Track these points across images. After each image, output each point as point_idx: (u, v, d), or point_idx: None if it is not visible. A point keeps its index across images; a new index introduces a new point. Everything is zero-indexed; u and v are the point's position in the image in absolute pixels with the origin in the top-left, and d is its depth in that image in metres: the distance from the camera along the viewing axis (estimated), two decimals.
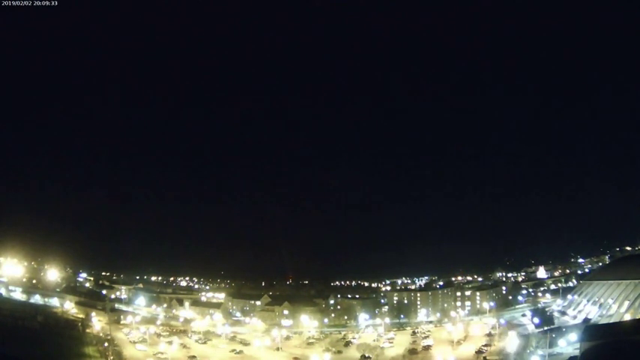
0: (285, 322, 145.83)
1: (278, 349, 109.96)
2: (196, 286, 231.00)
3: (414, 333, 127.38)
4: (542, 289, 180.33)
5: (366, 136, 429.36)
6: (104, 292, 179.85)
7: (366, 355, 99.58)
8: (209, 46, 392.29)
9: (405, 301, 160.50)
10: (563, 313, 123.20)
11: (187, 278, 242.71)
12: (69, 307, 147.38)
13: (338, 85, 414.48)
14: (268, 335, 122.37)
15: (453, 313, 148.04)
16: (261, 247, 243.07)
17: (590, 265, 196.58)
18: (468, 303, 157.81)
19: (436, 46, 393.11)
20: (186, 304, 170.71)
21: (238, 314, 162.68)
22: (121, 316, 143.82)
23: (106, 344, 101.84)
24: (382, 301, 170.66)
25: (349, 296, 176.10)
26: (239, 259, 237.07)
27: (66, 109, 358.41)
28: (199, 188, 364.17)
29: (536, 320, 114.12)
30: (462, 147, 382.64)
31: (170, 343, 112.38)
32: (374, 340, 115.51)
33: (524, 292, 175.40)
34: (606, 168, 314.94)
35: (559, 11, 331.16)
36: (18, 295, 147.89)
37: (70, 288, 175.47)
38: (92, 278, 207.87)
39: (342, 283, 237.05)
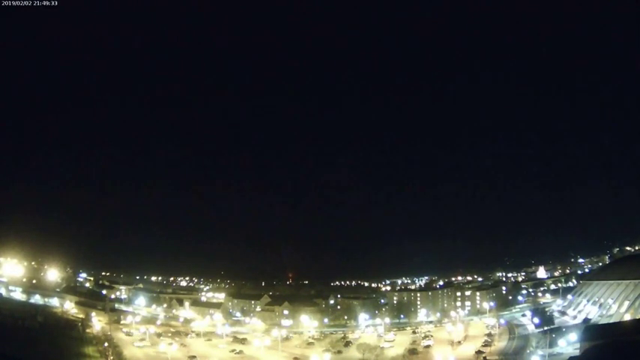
0: (285, 322, 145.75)
1: (278, 349, 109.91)
2: (196, 286, 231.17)
3: (414, 333, 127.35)
4: (542, 289, 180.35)
5: (367, 135, 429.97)
6: (104, 292, 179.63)
7: (366, 356, 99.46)
8: (211, 44, 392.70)
9: (405, 301, 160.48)
10: (563, 313, 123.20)
11: (187, 278, 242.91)
12: (69, 307, 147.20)
13: (338, 83, 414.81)
14: (268, 335, 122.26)
15: (453, 313, 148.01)
16: (261, 247, 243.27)
17: (590, 265, 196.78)
18: (468, 303, 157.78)
19: (435, 44, 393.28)
20: (186, 304, 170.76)
21: (238, 314, 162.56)
22: (121, 316, 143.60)
23: (106, 344, 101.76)
24: (382, 301, 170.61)
25: (349, 296, 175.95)
26: (239, 259, 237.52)
27: (65, 108, 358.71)
28: (199, 188, 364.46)
29: (536, 320, 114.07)
30: (461, 147, 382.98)
31: (170, 343, 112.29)
32: (374, 341, 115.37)
33: (524, 292, 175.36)
34: (606, 168, 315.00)
35: (559, 10, 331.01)
36: (18, 295, 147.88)
37: (70, 288, 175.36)
38: (92, 278, 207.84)
39: (342, 283, 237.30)
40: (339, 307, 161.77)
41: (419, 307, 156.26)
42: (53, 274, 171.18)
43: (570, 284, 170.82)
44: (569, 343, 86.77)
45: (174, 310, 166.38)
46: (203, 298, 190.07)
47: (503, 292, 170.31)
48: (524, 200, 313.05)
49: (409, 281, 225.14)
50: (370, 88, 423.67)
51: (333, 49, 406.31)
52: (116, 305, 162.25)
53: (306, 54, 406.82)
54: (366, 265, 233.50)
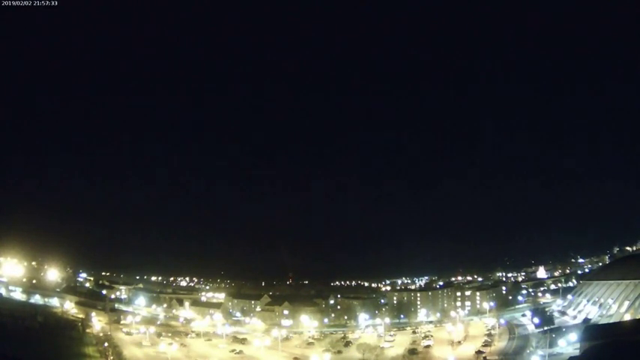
0: (285, 322, 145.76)
1: (278, 349, 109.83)
2: (196, 286, 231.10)
3: (414, 333, 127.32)
4: (542, 289, 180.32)
5: (366, 136, 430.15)
6: (104, 292, 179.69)
7: (366, 356, 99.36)
8: (211, 43, 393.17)
9: (405, 301, 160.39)
10: (563, 313, 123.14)
11: (187, 278, 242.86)
12: (69, 307, 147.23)
13: (338, 83, 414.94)
14: (268, 335, 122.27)
15: (453, 313, 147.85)
16: (261, 247, 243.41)
17: (590, 265, 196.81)
18: (468, 303, 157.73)
19: (436, 44, 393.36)
20: (186, 304, 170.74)
21: (238, 314, 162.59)
22: (121, 316, 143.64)
23: (106, 344, 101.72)
24: (382, 301, 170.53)
25: (349, 296, 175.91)
26: (239, 259, 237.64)
27: (65, 108, 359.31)
28: (199, 188, 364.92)
29: (536, 320, 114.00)
30: (462, 147, 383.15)
31: (170, 343, 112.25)
32: (374, 341, 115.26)
33: (524, 292, 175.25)
34: (606, 168, 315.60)
35: (559, 9, 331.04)
36: (18, 295, 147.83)
37: (70, 288, 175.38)
38: (92, 278, 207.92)
39: (342, 283, 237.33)
40: (339, 307, 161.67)
41: (419, 307, 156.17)
42: (53, 274, 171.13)
43: (570, 284, 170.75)
44: (569, 343, 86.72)
45: (174, 310, 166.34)
46: (203, 298, 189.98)
47: (503, 292, 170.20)
48: (524, 200, 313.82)
49: (409, 281, 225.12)
50: (371, 89, 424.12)
51: (334, 47, 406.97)
52: (116, 305, 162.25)
53: (307, 53, 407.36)
54: (366, 265, 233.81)
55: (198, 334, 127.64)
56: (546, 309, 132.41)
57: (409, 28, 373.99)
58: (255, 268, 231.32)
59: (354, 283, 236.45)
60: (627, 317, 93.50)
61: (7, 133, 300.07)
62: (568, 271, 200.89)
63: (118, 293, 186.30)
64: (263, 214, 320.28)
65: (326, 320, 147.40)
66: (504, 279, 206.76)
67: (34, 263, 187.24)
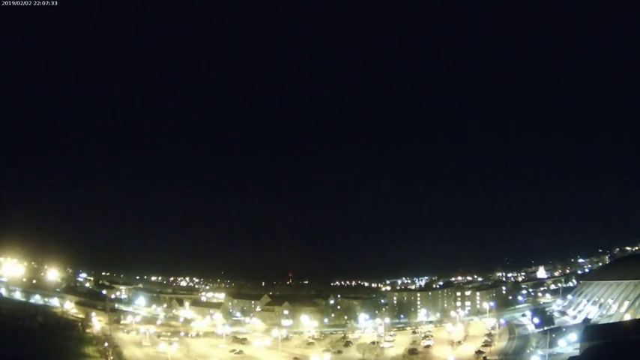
0: (285, 322, 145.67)
1: (278, 349, 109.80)
2: (196, 286, 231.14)
3: (414, 333, 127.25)
4: (542, 289, 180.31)
5: (367, 136, 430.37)
6: (104, 292, 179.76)
7: (366, 356, 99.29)
8: (211, 43, 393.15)
9: (405, 301, 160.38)
10: (563, 313, 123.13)
11: (187, 278, 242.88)
12: (69, 307, 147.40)
13: (339, 82, 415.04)
14: (268, 335, 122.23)
15: (453, 313, 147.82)
16: (261, 247, 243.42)
17: (590, 265, 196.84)
18: (468, 303, 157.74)
19: (436, 44, 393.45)
20: (186, 304, 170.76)
21: (238, 314, 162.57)
22: (121, 316, 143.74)
23: (106, 344, 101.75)
24: (382, 301, 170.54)
25: (349, 296, 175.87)
26: (239, 259, 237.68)
27: (66, 108, 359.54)
28: (199, 188, 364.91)
29: (536, 320, 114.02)
30: (462, 148, 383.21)
31: (170, 343, 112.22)
32: (374, 341, 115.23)
33: (524, 292, 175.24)
34: (606, 168, 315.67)
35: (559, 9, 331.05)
36: (18, 295, 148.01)
37: (70, 288, 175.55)
38: (92, 278, 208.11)
39: (342, 283, 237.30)
40: (339, 307, 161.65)
41: (419, 307, 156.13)
42: (53, 274, 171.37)
43: (570, 284, 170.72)
44: (569, 343, 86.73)
45: (174, 310, 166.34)
46: (203, 298, 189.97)
47: (503, 292, 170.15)
48: (524, 200, 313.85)
49: (409, 281, 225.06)
50: (371, 89, 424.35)
51: (334, 48, 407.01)
52: (116, 305, 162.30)
53: (307, 53, 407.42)
54: (366, 265, 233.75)
55: (198, 334, 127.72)
56: (546, 309, 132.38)
57: (409, 27, 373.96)
58: (255, 268, 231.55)
59: (354, 283, 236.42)
60: (627, 317, 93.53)
61: (8, 133, 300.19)
62: (568, 271, 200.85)
63: (118, 293, 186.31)
64: (263, 214, 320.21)
65: (326, 320, 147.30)
66: (504, 279, 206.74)
67: (34, 263, 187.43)
